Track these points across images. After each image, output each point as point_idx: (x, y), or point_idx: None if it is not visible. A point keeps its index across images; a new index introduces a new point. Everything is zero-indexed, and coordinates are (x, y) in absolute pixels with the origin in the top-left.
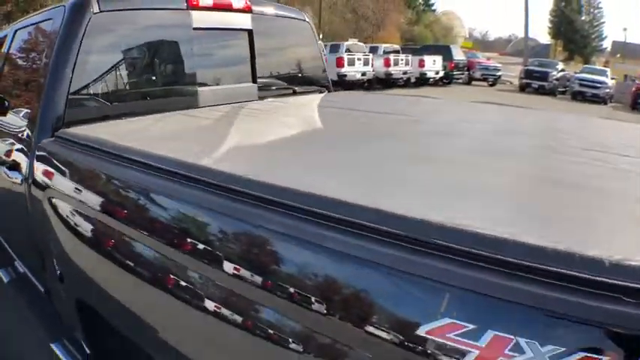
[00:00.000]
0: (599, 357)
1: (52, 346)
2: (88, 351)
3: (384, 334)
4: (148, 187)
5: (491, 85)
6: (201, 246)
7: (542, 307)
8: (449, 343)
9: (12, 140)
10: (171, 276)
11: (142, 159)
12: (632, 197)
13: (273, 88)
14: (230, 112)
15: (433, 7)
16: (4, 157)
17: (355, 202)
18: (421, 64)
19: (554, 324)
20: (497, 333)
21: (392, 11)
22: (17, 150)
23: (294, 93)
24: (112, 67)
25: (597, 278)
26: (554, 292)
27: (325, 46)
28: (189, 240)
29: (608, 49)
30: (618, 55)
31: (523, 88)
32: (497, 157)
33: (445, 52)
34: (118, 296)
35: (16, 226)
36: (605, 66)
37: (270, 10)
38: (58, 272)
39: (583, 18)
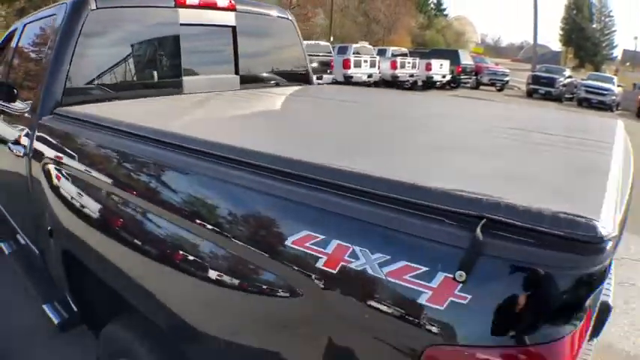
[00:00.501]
0: (417, 265)
1: (44, 307)
2: (75, 308)
3: (266, 247)
4: (126, 150)
5: (499, 90)
6: (174, 200)
7: (374, 223)
8: (306, 250)
9: (18, 121)
10: (148, 230)
11: (121, 127)
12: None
13: (255, 80)
14: (207, 97)
15: (445, 12)
16: (11, 135)
17: (255, 149)
18: (428, 67)
19: (382, 237)
20: (340, 242)
21: (403, 15)
22: (22, 128)
23: (276, 85)
24: (106, 57)
25: (420, 201)
26: (385, 211)
27: (333, 47)
28: (163, 195)
29: (619, 57)
30: (628, 64)
31: (530, 94)
32: (414, 132)
33: (453, 56)
34: (100, 248)
35: (19, 198)
36: (615, 74)
37: (254, 8)
38: (49, 228)
39: (594, 26)
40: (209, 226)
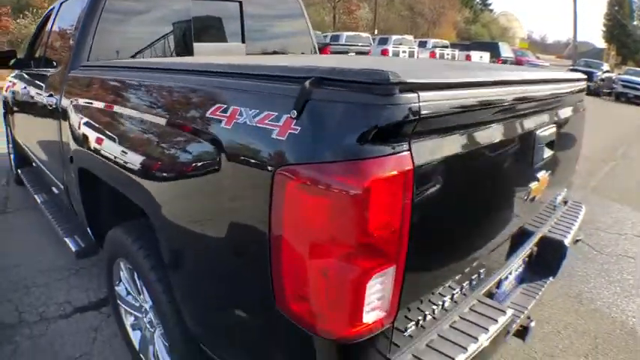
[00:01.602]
0: (273, 112)
1: (65, 239)
2: (91, 233)
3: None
4: (126, 79)
5: None
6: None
7: (252, 92)
8: (217, 117)
9: (53, 80)
10: (137, 135)
11: (126, 65)
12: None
13: (260, 48)
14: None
15: (490, 7)
16: (46, 92)
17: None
18: (467, 58)
19: (255, 99)
20: (234, 107)
21: (448, 9)
22: (55, 84)
23: (281, 53)
24: (125, 29)
25: (278, 74)
26: (258, 82)
27: (374, 39)
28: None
29: None
30: None
31: None
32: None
33: (493, 48)
34: (107, 160)
35: (53, 147)
36: None
37: None
38: (70, 156)
39: (635, 23)
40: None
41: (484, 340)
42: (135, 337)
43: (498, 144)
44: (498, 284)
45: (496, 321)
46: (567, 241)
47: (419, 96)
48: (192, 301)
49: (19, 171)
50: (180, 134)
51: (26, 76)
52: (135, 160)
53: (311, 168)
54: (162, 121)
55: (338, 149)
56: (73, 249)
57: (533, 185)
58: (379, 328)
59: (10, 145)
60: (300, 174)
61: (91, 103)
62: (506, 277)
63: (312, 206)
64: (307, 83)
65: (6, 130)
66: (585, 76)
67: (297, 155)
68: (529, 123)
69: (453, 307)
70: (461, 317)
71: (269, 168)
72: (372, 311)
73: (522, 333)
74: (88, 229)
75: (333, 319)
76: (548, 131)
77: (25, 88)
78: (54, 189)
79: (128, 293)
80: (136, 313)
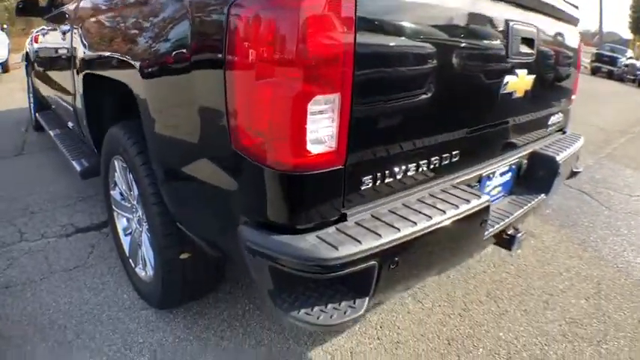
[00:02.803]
0: None
1: (72, 162)
2: (97, 151)
3: None
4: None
5: None
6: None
7: None
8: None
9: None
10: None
11: None
12: None
13: None
14: None
15: None
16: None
17: None
18: None
19: None
20: None
21: None
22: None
23: None
24: None
25: None
26: None
27: None
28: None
29: None
30: None
31: (594, 72)
32: None
33: None
34: (104, 57)
35: (66, 78)
36: None
37: None
38: (75, 70)
39: None
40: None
41: (453, 214)
42: (126, 242)
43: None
44: (479, 180)
45: (468, 201)
46: (560, 159)
47: None
48: (170, 183)
49: (37, 115)
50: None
51: (46, 23)
52: (126, 49)
53: None
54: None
55: None
56: (78, 169)
57: (510, 79)
58: (328, 165)
59: (31, 95)
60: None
61: (95, 19)
62: (489, 177)
63: (258, 30)
64: None
65: (28, 81)
66: (579, 17)
67: None
68: (502, 10)
69: (419, 180)
70: (431, 195)
71: (224, 10)
72: (318, 143)
73: (508, 242)
74: (92, 141)
75: (279, 148)
76: (526, 28)
77: (44, 30)
78: (69, 123)
79: (122, 196)
80: (127, 214)
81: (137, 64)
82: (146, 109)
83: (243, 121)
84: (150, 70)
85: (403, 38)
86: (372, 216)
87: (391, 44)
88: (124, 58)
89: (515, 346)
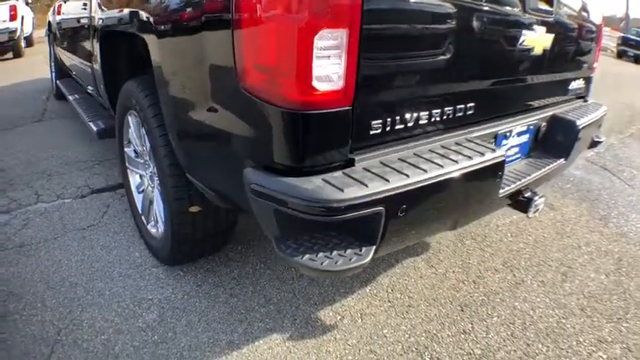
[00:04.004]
0: None
1: (89, 123)
2: (113, 112)
3: None
4: None
5: None
6: None
7: None
8: None
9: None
10: None
11: None
12: None
13: None
14: None
15: None
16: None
17: None
18: None
19: None
20: None
21: None
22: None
23: None
24: None
25: None
26: None
27: None
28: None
29: None
30: None
31: (620, 56)
32: None
33: None
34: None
35: (83, 32)
36: None
37: None
38: (96, 29)
39: None
40: None
41: (466, 165)
42: (138, 200)
43: None
44: (495, 137)
45: (482, 154)
46: (580, 124)
47: None
48: (181, 133)
49: (58, 82)
50: None
51: None
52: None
53: None
54: None
55: None
56: (95, 129)
57: (529, 34)
58: (334, 104)
59: (52, 64)
60: None
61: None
62: (505, 136)
63: None
64: None
65: (49, 50)
66: None
67: None
68: None
69: (432, 130)
70: (444, 146)
71: None
72: (325, 81)
73: (525, 205)
74: (108, 102)
75: (285, 84)
76: None
77: (66, 1)
78: (88, 87)
79: (135, 154)
80: (140, 171)
81: (150, 18)
82: (158, 58)
83: (249, 58)
84: (160, 18)
85: None
86: (381, 162)
87: None
88: (138, 11)
89: (531, 316)
